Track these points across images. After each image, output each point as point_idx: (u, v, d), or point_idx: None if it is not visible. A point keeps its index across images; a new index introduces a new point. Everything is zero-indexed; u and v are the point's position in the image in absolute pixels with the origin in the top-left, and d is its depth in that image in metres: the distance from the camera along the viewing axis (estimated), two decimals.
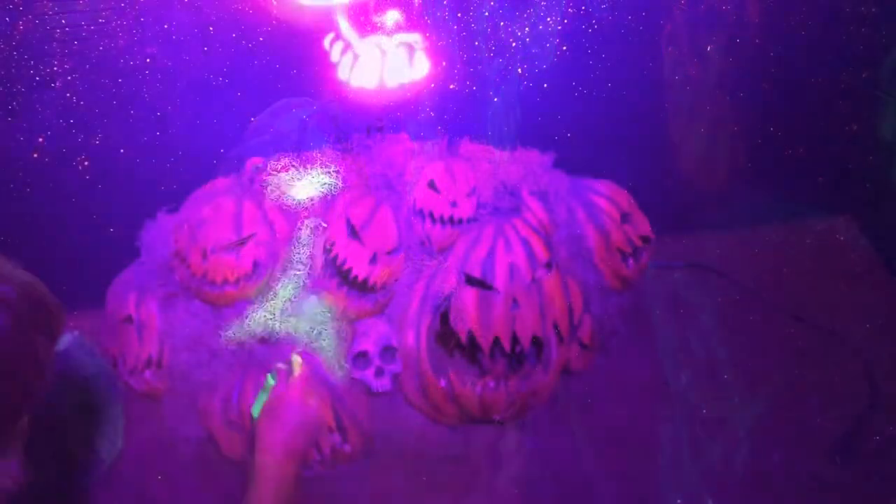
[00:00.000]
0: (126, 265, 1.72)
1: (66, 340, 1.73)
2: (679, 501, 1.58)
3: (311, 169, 1.65)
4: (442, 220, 1.53)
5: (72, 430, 1.59)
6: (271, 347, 1.56)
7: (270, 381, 1.24)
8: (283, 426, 1.13)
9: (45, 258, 1.77)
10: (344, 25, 1.48)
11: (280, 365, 1.24)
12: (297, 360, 1.25)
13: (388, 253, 1.51)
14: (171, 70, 1.51)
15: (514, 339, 1.48)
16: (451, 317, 1.49)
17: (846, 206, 2.14)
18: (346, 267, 1.49)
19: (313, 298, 1.59)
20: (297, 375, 1.20)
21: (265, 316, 1.59)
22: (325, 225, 1.58)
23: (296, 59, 1.55)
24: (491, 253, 1.50)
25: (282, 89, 1.60)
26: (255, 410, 1.22)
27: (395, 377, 1.61)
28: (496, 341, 1.48)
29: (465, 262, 1.51)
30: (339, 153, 1.67)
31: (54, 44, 1.41)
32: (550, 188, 1.68)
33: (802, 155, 1.95)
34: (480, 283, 1.49)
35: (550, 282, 1.51)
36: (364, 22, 1.48)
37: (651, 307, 1.87)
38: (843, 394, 1.75)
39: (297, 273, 1.59)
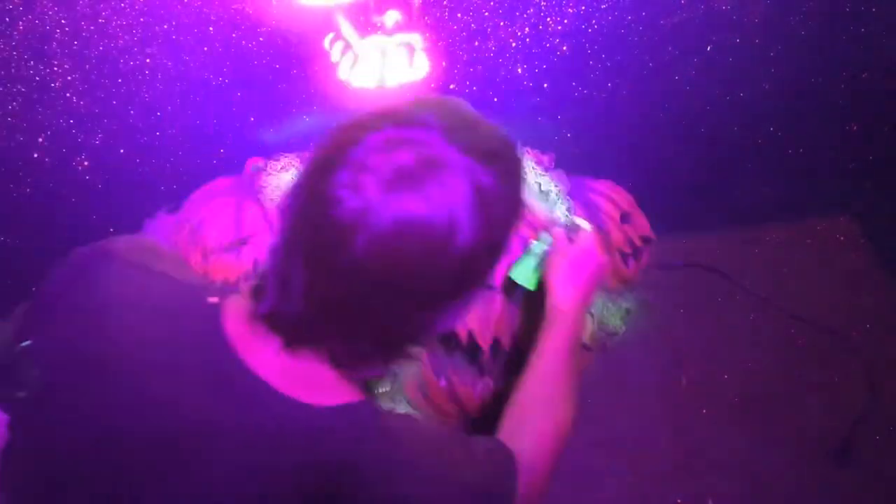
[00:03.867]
0: None
1: None
2: (679, 501, 1.58)
3: None
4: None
5: None
6: None
7: (535, 246, 1.27)
8: (581, 274, 1.18)
9: (45, 258, 1.78)
10: (344, 25, 1.48)
11: (551, 231, 1.29)
12: (583, 222, 1.34)
13: None
14: (171, 70, 1.51)
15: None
16: None
17: (846, 206, 2.14)
18: None
19: None
20: (588, 232, 1.27)
21: None
22: None
23: (296, 59, 1.55)
24: None
25: (282, 89, 1.60)
26: (517, 274, 1.26)
27: (395, 377, 1.61)
28: (496, 341, 1.48)
29: None
30: None
31: (54, 44, 1.41)
32: (550, 188, 1.68)
33: (802, 155, 1.95)
34: None
35: None
36: (364, 22, 1.48)
37: (651, 307, 1.87)
38: (843, 394, 1.75)
39: None
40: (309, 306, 0.69)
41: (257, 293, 0.74)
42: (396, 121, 0.72)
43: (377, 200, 0.65)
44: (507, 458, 0.89)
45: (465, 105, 0.78)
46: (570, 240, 1.26)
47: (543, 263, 1.24)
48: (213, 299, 0.76)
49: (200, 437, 0.69)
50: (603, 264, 1.24)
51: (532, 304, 1.20)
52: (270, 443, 0.69)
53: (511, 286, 1.27)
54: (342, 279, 0.67)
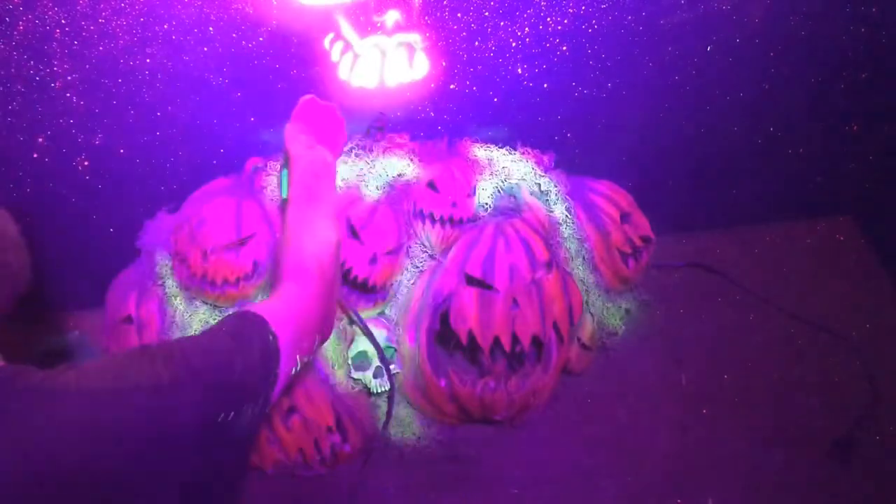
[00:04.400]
0: (126, 265, 1.72)
1: (66, 340, 1.74)
2: (679, 501, 1.58)
3: None
4: (442, 221, 1.53)
5: None
6: None
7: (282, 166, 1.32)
8: (301, 121, 1.26)
9: (46, 258, 1.78)
10: (344, 25, 1.48)
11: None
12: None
13: (388, 253, 1.51)
14: (171, 70, 1.51)
15: (514, 339, 1.48)
16: (451, 317, 1.49)
17: (846, 206, 2.14)
18: (346, 267, 1.49)
19: None
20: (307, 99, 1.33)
21: None
22: None
23: (296, 59, 1.55)
24: (491, 253, 1.50)
25: (282, 89, 1.60)
26: (285, 190, 1.27)
27: (396, 377, 1.61)
28: (496, 341, 1.48)
29: (465, 262, 1.51)
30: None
31: (54, 44, 1.41)
32: (550, 188, 1.68)
33: (802, 155, 1.95)
34: (480, 283, 1.49)
35: (550, 282, 1.51)
36: (364, 22, 1.48)
37: (651, 307, 1.87)
38: (843, 394, 1.75)
39: None
40: None
41: None
42: None
43: None
44: (248, 319, 0.89)
45: None
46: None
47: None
48: None
49: None
50: (326, 108, 1.31)
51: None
52: None
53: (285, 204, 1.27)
54: None
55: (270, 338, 0.87)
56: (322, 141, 1.24)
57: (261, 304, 0.96)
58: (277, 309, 0.93)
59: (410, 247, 1.57)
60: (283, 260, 1.03)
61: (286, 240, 1.06)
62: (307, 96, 1.31)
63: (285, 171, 1.24)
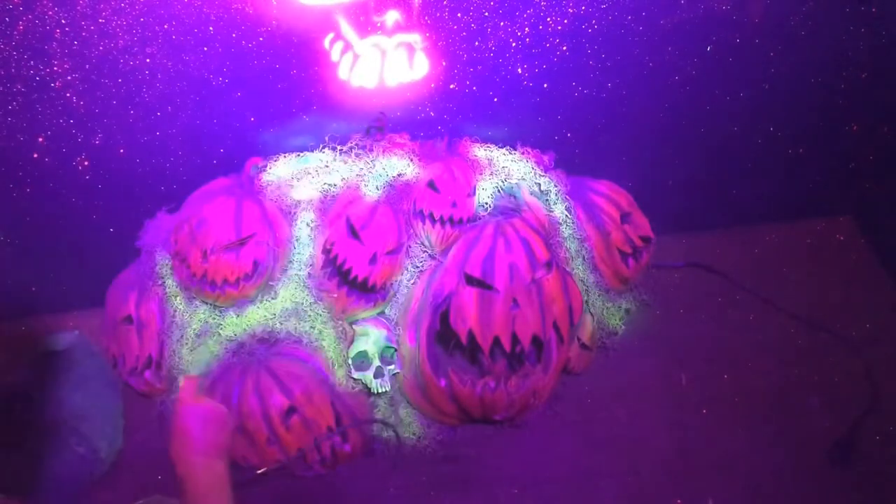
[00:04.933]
0: (126, 265, 1.72)
1: (66, 340, 1.74)
2: (679, 501, 1.58)
3: (312, 169, 1.65)
4: (442, 220, 1.53)
5: (72, 430, 1.59)
6: (271, 347, 1.56)
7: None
8: (189, 437, 1.16)
9: (46, 258, 1.78)
10: (344, 25, 1.48)
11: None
12: (180, 381, 1.32)
13: (388, 253, 1.51)
14: (171, 70, 1.51)
15: (514, 339, 1.48)
16: (451, 317, 1.49)
17: (846, 206, 2.14)
18: (346, 267, 1.49)
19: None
20: (182, 390, 1.24)
21: (265, 316, 1.59)
22: (325, 225, 1.58)
23: (296, 59, 1.55)
24: (491, 253, 1.50)
25: (282, 89, 1.60)
26: None
27: (395, 377, 1.61)
28: (496, 341, 1.48)
29: (465, 262, 1.51)
30: (339, 153, 1.67)
31: (54, 44, 1.41)
32: (550, 188, 1.68)
33: (802, 155, 1.95)
34: (480, 283, 1.49)
35: (550, 282, 1.51)
36: (364, 22, 1.48)
37: (651, 307, 1.87)
38: (843, 394, 1.75)
39: (298, 273, 1.59)
40: None
41: None
42: None
43: None
44: None
45: None
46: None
47: None
48: None
49: None
50: (206, 411, 1.20)
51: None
52: None
53: None
54: None
55: None
56: (208, 448, 1.16)
57: None
58: None
59: (410, 247, 1.57)
60: None
61: None
62: (183, 402, 1.22)
63: None
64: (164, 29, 1.44)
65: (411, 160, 1.62)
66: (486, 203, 1.60)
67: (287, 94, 1.62)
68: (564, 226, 1.66)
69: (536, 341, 1.52)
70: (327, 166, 1.64)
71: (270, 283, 1.58)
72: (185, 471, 1.12)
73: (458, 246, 1.56)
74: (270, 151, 1.70)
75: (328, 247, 1.53)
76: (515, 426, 1.67)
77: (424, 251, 1.58)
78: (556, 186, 1.69)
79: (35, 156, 1.57)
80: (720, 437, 1.67)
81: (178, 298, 1.61)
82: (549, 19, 1.56)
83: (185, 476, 1.12)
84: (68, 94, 1.49)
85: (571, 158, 1.80)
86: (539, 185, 1.67)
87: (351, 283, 1.53)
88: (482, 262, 1.50)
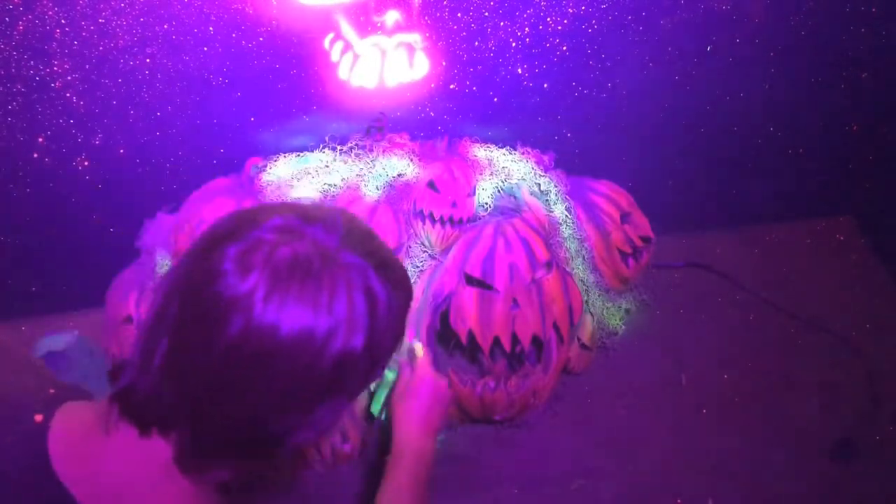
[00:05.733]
0: (126, 265, 1.72)
1: (66, 340, 1.74)
2: (679, 501, 1.58)
3: (312, 169, 1.65)
4: (442, 221, 1.53)
5: None
6: None
7: (389, 375, 1.30)
8: (421, 405, 1.18)
9: (46, 258, 1.78)
10: (344, 25, 1.48)
11: (396, 357, 1.28)
12: (418, 345, 1.32)
13: None
14: (171, 70, 1.51)
15: (514, 339, 1.48)
16: (451, 317, 1.49)
17: (846, 206, 2.14)
18: None
19: None
20: (422, 358, 1.28)
21: None
22: None
23: (296, 59, 1.55)
24: (491, 253, 1.50)
25: (282, 89, 1.60)
26: (376, 407, 1.29)
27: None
28: (496, 341, 1.48)
29: (465, 262, 1.51)
30: (339, 153, 1.67)
31: (54, 44, 1.41)
32: (550, 188, 1.68)
33: (802, 155, 1.95)
34: (480, 283, 1.49)
35: (550, 282, 1.51)
36: (364, 22, 1.48)
37: (651, 307, 1.87)
38: (843, 394, 1.75)
39: None
40: (166, 379, 0.65)
41: (118, 372, 0.71)
42: (300, 213, 0.69)
43: (263, 286, 0.62)
44: None
45: (363, 220, 0.77)
46: (411, 367, 1.28)
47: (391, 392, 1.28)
48: (38, 417, 0.71)
49: None
50: (439, 389, 1.24)
51: (389, 433, 1.21)
52: None
53: (370, 417, 1.30)
54: (206, 355, 0.63)
55: None
56: (434, 425, 1.20)
57: None
58: None
59: (410, 247, 1.57)
60: None
61: None
62: (423, 373, 1.26)
63: (383, 392, 1.26)
64: (164, 29, 1.44)
65: (411, 160, 1.62)
66: (486, 203, 1.60)
67: (287, 94, 1.62)
68: (564, 226, 1.66)
69: (536, 341, 1.52)
70: (327, 166, 1.64)
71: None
72: (409, 443, 1.12)
73: (458, 246, 1.56)
74: (270, 151, 1.70)
75: None
76: (515, 426, 1.67)
77: (424, 251, 1.58)
78: (556, 186, 1.68)
79: (35, 156, 1.57)
80: (720, 437, 1.67)
81: None
82: (549, 19, 1.56)
83: (405, 448, 1.12)
84: (68, 94, 1.49)
85: (571, 158, 1.80)
86: (539, 185, 1.67)
87: None
88: (482, 262, 1.50)
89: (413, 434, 1.14)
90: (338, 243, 0.67)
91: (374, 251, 0.71)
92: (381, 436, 1.41)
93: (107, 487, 0.67)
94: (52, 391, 0.74)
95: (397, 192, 1.59)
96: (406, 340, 1.35)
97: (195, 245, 0.69)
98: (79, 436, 0.69)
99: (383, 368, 0.75)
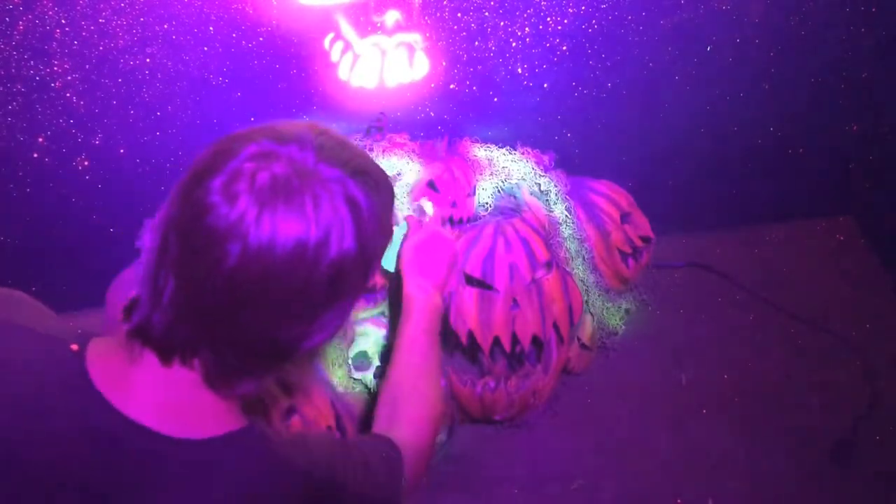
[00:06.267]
0: (126, 265, 1.72)
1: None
2: (679, 501, 1.58)
3: None
4: (442, 221, 1.53)
5: None
6: None
7: (398, 231, 1.33)
8: (429, 259, 1.25)
9: (46, 258, 1.78)
10: (344, 25, 1.48)
11: (406, 213, 1.34)
12: (427, 203, 1.37)
13: None
14: (171, 70, 1.51)
15: (514, 339, 1.48)
16: (451, 317, 1.49)
17: (846, 206, 2.14)
18: None
19: None
20: (431, 216, 1.34)
21: None
22: None
23: (296, 59, 1.55)
24: (491, 253, 1.50)
25: (282, 89, 1.60)
26: (388, 261, 1.31)
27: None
28: (496, 341, 1.48)
29: (465, 262, 1.51)
30: None
31: (54, 44, 1.41)
32: (550, 188, 1.68)
33: (802, 155, 1.95)
34: (480, 283, 1.49)
35: (550, 282, 1.51)
36: (364, 22, 1.48)
37: (651, 307, 1.87)
38: (843, 394, 1.75)
39: None
40: (178, 313, 0.69)
41: (131, 309, 0.74)
42: (273, 136, 0.73)
43: (252, 211, 0.67)
44: (395, 454, 0.95)
45: (334, 128, 0.81)
46: (421, 224, 1.35)
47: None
48: (74, 346, 0.75)
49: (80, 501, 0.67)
50: (450, 245, 1.32)
51: (399, 286, 1.27)
52: (156, 489, 0.69)
53: (386, 273, 1.33)
54: (211, 286, 0.68)
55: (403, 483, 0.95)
56: (441, 276, 1.27)
57: (400, 444, 0.99)
58: (408, 461, 0.98)
59: None
60: (407, 407, 1.07)
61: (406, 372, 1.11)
62: (431, 225, 1.34)
63: (395, 250, 1.29)
64: (164, 29, 1.44)
65: (411, 160, 1.62)
66: (486, 203, 1.60)
67: (287, 94, 1.62)
68: (564, 226, 1.66)
69: (536, 341, 1.52)
70: None
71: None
72: (417, 297, 1.18)
73: (457, 246, 1.56)
74: None
75: None
76: (515, 426, 1.67)
77: None
78: (556, 186, 1.68)
79: (35, 156, 1.57)
80: (720, 437, 1.67)
81: None
82: (549, 19, 1.56)
83: (412, 303, 1.17)
84: (68, 94, 1.49)
85: (571, 158, 1.80)
86: (539, 185, 1.67)
87: None
88: (482, 262, 1.50)
89: (420, 288, 1.21)
90: (314, 159, 0.71)
91: (349, 160, 0.74)
92: (395, 290, 1.43)
93: (147, 404, 0.72)
94: (79, 330, 0.79)
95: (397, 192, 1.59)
96: (413, 201, 1.43)
97: (181, 184, 0.73)
98: (112, 363, 0.73)
99: (379, 266, 0.81)
